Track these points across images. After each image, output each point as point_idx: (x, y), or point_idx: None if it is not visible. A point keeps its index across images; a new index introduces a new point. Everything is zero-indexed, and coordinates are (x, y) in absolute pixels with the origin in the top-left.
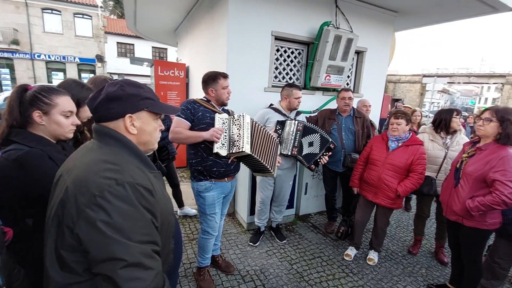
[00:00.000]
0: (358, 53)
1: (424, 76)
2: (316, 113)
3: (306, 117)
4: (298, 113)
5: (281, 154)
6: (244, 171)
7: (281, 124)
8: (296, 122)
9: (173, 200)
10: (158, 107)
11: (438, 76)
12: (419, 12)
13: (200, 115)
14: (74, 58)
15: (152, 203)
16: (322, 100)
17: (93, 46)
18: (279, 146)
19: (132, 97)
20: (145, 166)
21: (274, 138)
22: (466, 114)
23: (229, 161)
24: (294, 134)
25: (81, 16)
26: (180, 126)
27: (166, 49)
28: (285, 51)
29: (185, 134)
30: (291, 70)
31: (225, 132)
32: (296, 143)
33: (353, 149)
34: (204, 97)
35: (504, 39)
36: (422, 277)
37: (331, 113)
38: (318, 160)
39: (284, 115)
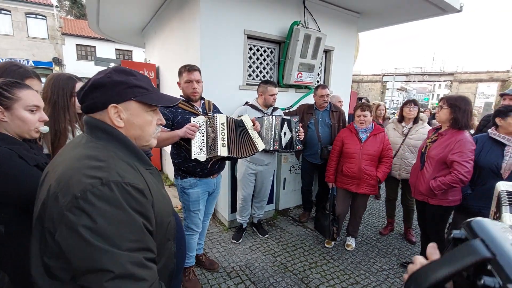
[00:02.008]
0: (326, 51)
1: (384, 75)
2: (292, 109)
3: (284, 112)
4: (275, 109)
5: (263, 151)
6: (224, 170)
7: (258, 121)
8: (274, 117)
9: None
10: (150, 97)
11: (396, 75)
12: (379, 13)
13: (180, 119)
14: (28, 61)
15: (144, 205)
16: (296, 97)
17: (49, 48)
18: (244, 122)
19: (117, 85)
20: (140, 163)
21: (241, 122)
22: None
23: (209, 165)
24: (273, 129)
25: (34, 16)
26: None
27: (131, 51)
28: (257, 50)
29: (160, 137)
30: (264, 68)
31: (203, 136)
32: (276, 138)
33: (329, 142)
34: (181, 95)
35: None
36: (395, 257)
37: (309, 108)
38: (297, 138)
39: (261, 111)
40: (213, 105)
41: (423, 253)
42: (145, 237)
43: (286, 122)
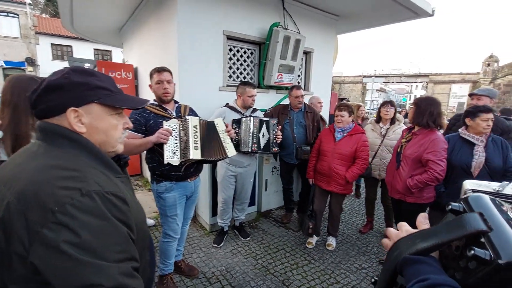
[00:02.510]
0: (306, 53)
1: (364, 76)
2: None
3: (265, 114)
4: (255, 110)
5: (242, 152)
6: (203, 172)
7: (237, 122)
8: (252, 118)
9: None
10: (114, 99)
11: (376, 77)
12: (356, 16)
13: (152, 123)
14: None
15: (126, 213)
16: (276, 98)
17: (21, 47)
18: (215, 125)
19: (77, 87)
20: (109, 171)
21: (212, 124)
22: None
23: (182, 169)
24: (251, 130)
25: (5, 14)
26: (129, 138)
27: (110, 51)
28: (237, 51)
29: (133, 144)
30: (244, 69)
31: (176, 140)
32: (254, 139)
33: (304, 142)
34: (154, 99)
35: (427, 42)
36: (374, 254)
37: (283, 108)
38: (273, 141)
39: (239, 113)
40: (190, 109)
41: None
42: (130, 247)
43: (264, 124)
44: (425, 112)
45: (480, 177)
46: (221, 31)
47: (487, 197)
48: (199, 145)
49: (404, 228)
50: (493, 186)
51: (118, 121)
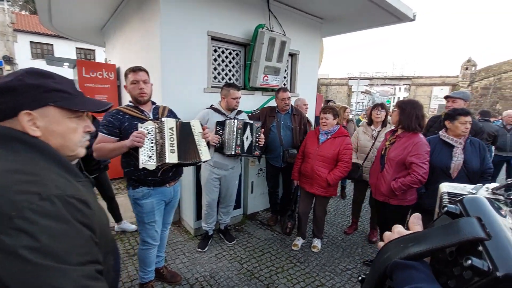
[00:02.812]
0: (292, 55)
1: (350, 79)
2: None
3: (248, 115)
4: (239, 112)
5: (226, 155)
6: (187, 175)
7: (221, 124)
8: (236, 121)
9: (109, 215)
10: (72, 102)
11: (361, 79)
12: (340, 20)
13: (127, 125)
14: None
15: (90, 217)
16: (262, 100)
17: None
18: (190, 125)
19: (32, 89)
20: (69, 174)
21: (188, 125)
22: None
23: (159, 173)
24: (235, 133)
25: None
26: (102, 142)
27: (94, 50)
28: (222, 52)
29: (106, 148)
30: (230, 70)
31: (152, 143)
32: (238, 142)
33: (291, 145)
34: (129, 101)
35: (409, 47)
36: (358, 255)
37: (271, 110)
38: (257, 144)
39: (223, 115)
40: (169, 110)
41: None
42: (94, 249)
43: (248, 126)
44: (412, 115)
45: (458, 178)
46: (205, 31)
47: (484, 199)
48: (175, 148)
49: (396, 230)
50: (468, 188)
51: (77, 124)
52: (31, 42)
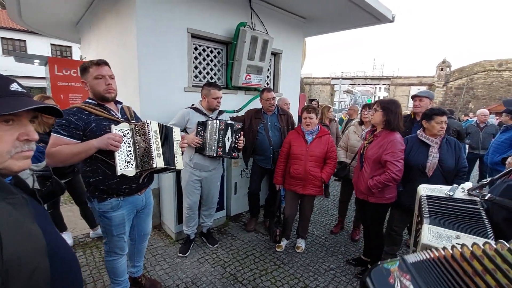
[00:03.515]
0: (275, 54)
1: (332, 78)
2: (241, 113)
3: (232, 117)
4: (221, 113)
5: (207, 156)
6: (167, 178)
7: (202, 125)
8: (218, 121)
9: (82, 222)
10: None
11: (343, 79)
12: (322, 20)
13: (94, 127)
14: None
15: None
16: (245, 99)
17: None
18: (173, 131)
19: None
20: None
21: (170, 128)
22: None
23: (140, 180)
24: (217, 134)
25: None
26: (59, 145)
27: (71, 47)
28: (203, 50)
29: (67, 152)
30: (211, 69)
31: (129, 146)
32: (220, 143)
33: (280, 146)
34: (89, 98)
35: (388, 47)
36: (341, 254)
37: (256, 112)
38: (235, 145)
39: (205, 115)
40: (133, 111)
41: (366, 249)
42: None
43: (230, 127)
44: (398, 115)
45: (434, 177)
46: (185, 28)
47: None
48: (161, 152)
49: None
50: (445, 190)
51: (5, 131)
52: (2, 38)
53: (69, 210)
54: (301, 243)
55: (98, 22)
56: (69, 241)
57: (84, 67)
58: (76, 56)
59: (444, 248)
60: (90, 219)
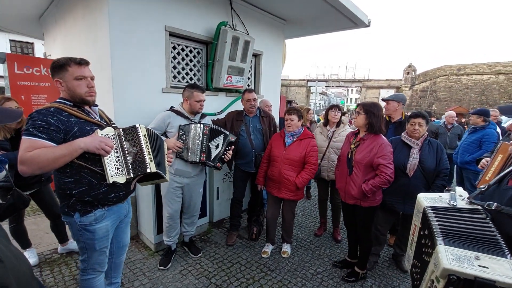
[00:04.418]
0: (256, 55)
1: (308, 80)
2: (222, 115)
3: (213, 120)
4: (203, 116)
5: (189, 162)
6: (146, 186)
7: (184, 129)
8: (202, 125)
9: (49, 236)
10: None
11: (319, 81)
12: (303, 22)
13: (76, 131)
14: None
15: (2, 274)
16: (226, 101)
17: None
18: (165, 144)
19: None
20: None
21: (160, 137)
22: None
23: (132, 186)
24: (201, 138)
25: None
26: (37, 148)
27: (33, 43)
28: (182, 49)
29: (50, 155)
30: (191, 70)
31: (117, 152)
32: (204, 148)
33: (263, 148)
34: (62, 98)
35: (359, 52)
36: (327, 257)
37: (238, 114)
38: (222, 156)
39: (187, 118)
40: (102, 112)
41: (351, 251)
42: None
43: (222, 136)
44: (380, 118)
45: (415, 177)
46: (162, 26)
47: None
48: (152, 156)
49: None
50: (445, 199)
51: None
52: None
53: (33, 223)
54: (286, 248)
55: (65, 16)
56: (34, 259)
57: (60, 65)
58: (39, 53)
59: None
60: (61, 233)
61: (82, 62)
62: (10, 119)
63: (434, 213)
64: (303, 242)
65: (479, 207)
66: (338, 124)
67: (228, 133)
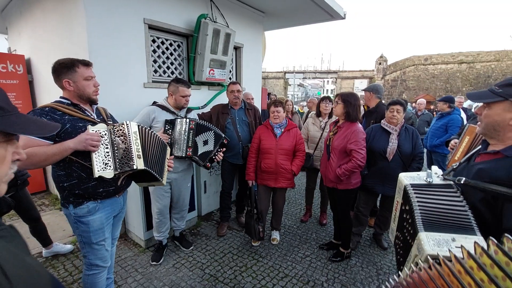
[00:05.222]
0: (236, 48)
1: (286, 72)
2: (206, 109)
3: (198, 114)
4: (189, 110)
5: (175, 157)
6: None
7: (170, 123)
8: (188, 120)
9: (31, 240)
10: (8, 122)
11: (296, 73)
12: (281, 15)
13: (69, 128)
14: None
15: None
16: (209, 95)
17: None
18: (167, 148)
19: None
20: None
21: (162, 141)
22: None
23: (119, 182)
24: (187, 133)
25: None
26: (32, 146)
27: None
28: (162, 43)
29: (42, 153)
30: (172, 63)
31: (107, 148)
32: (190, 143)
33: (249, 140)
34: (62, 97)
35: (334, 43)
36: (314, 240)
37: (223, 107)
38: (213, 157)
39: (173, 113)
40: (110, 113)
41: (336, 233)
42: None
43: (213, 134)
44: (356, 107)
45: (394, 160)
46: (141, 19)
47: None
48: (141, 153)
49: None
50: (422, 177)
51: (6, 151)
52: None
53: None
54: (276, 235)
55: (32, 8)
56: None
57: (69, 66)
58: (2, 48)
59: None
60: (43, 237)
61: (89, 64)
62: (43, 131)
63: (413, 189)
64: (290, 228)
65: (451, 182)
66: (330, 115)
67: (221, 133)
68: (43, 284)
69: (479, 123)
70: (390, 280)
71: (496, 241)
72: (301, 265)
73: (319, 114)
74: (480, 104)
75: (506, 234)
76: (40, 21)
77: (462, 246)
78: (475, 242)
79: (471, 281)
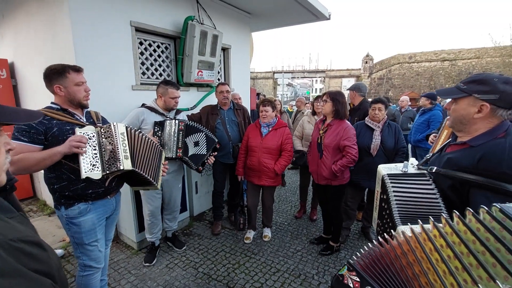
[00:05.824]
0: (224, 49)
1: (275, 72)
2: (195, 111)
3: (188, 116)
4: (178, 112)
5: (165, 158)
6: (124, 185)
7: (160, 125)
8: (177, 121)
9: None
10: None
11: (285, 72)
12: (267, 15)
13: (56, 132)
14: None
15: (47, 261)
16: (198, 96)
17: None
18: (163, 153)
19: None
20: None
21: (157, 145)
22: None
23: (107, 183)
24: (176, 134)
25: None
26: (21, 152)
27: None
28: (150, 45)
29: (32, 158)
30: (160, 65)
31: (95, 149)
32: (180, 144)
33: (239, 140)
34: (52, 103)
35: (321, 43)
36: (305, 236)
37: (212, 108)
38: (206, 161)
39: (162, 114)
40: (102, 116)
41: (326, 228)
42: None
43: (204, 136)
44: (343, 104)
45: (378, 156)
46: (128, 21)
47: None
48: (128, 154)
49: None
50: (399, 167)
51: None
52: None
53: None
54: (267, 232)
55: (14, 10)
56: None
57: (60, 72)
58: None
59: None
60: None
61: (80, 69)
62: (32, 118)
63: (390, 179)
64: (281, 225)
65: (425, 171)
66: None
67: (213, 138)
68: (57, 258)
69: (448, 117)
70: (361, 250)
71: (458, 213)
72: (292, 260)
73: (314, 112)
74: (449, 100)
75: (467, 208)
76: (24, 24)
77: (430, 218)
78: (441, 216)
79: (431, 246)
